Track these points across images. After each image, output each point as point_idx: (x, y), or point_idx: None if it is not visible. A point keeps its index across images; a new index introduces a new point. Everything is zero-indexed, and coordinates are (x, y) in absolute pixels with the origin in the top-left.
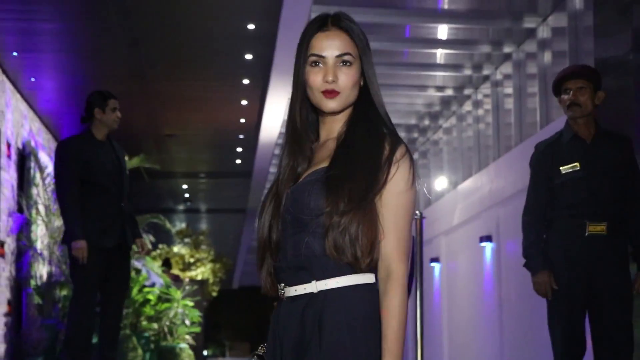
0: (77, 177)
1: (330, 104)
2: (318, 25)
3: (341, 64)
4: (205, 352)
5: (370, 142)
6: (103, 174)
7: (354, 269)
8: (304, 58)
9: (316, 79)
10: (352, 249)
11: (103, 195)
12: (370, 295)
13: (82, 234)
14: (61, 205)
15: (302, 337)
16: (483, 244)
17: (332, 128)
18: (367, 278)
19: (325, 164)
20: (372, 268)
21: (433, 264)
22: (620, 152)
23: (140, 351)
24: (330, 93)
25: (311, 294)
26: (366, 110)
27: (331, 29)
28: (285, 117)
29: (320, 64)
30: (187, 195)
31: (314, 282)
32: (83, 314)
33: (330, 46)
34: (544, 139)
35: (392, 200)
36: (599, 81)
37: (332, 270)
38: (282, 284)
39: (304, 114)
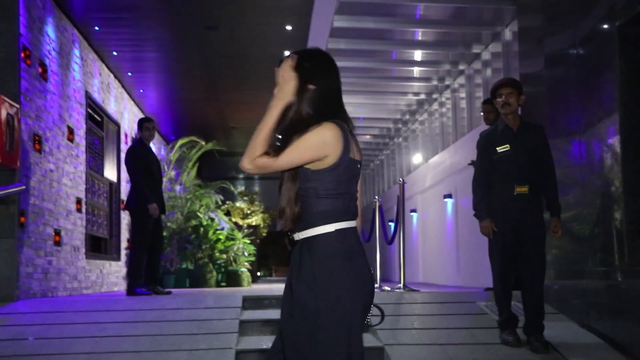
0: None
1: None
2: None
3: None
4: (258, 273)
5: None
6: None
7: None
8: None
9: None
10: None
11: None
12: (324, 240)
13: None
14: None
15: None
16: (446, 199)
17: None
18: (327, 228)
19: None
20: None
21: (412, 214)
22: (537, 137)
23: (214, 273)
24: None
25: (303, 239)
26: None
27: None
28: None
29: None
30: None
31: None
32: (142, 253)
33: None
34: (486, 129)
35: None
36: (521, 88)
37: (311, 223)
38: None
39: None
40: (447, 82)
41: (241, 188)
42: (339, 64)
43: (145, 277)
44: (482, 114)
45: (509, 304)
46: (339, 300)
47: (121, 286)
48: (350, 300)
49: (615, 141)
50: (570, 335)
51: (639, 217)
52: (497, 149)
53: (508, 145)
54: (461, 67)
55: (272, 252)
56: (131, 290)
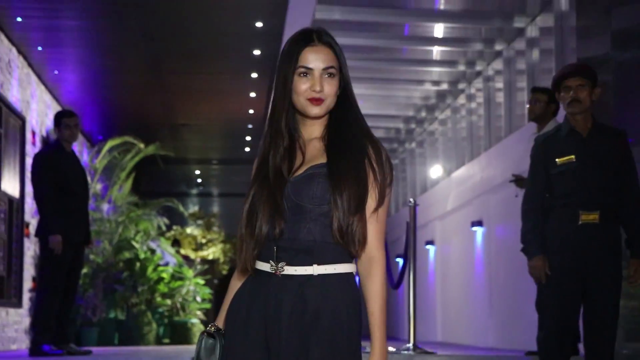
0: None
1: (315, 110)
2: (305, 39)
3: (326, 76)
4: None
5: (357, 144)
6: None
7: (347, 258)
8: (293, 68)
9: (304, 87)
10: (354, 239)
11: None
12: (354, 281)
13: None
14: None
15: (303, 313)
16: (474, 228)
17: (313, 129)
18: (353, 267)
19: (321, 160)
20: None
21: (428, 247)
22: (615, 146)
23: (154, 325)
24: (317, 101)
25: (310, 275)
26: (346, 114)
27: (318, 45)
28: None
29: (307, 75)
30: (199, 180)
31: (315, 265)
32: (54, 297)
33: (317, 59)
34: (544, 132)
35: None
36: (596, 78)
37: (331, 257)
38: (282, 263)
39: (290, 115)
40: (478, 68)
41: (194, 208)
42: None
43: (56, 329)
44: (527, 105)
45: None
46: None
47: (22, 343)
48: None
49: None
50: None
51: None
52: (557, 160)
53: (573, 156)
54: (498, 47)
55: None
56: (37, 349)
